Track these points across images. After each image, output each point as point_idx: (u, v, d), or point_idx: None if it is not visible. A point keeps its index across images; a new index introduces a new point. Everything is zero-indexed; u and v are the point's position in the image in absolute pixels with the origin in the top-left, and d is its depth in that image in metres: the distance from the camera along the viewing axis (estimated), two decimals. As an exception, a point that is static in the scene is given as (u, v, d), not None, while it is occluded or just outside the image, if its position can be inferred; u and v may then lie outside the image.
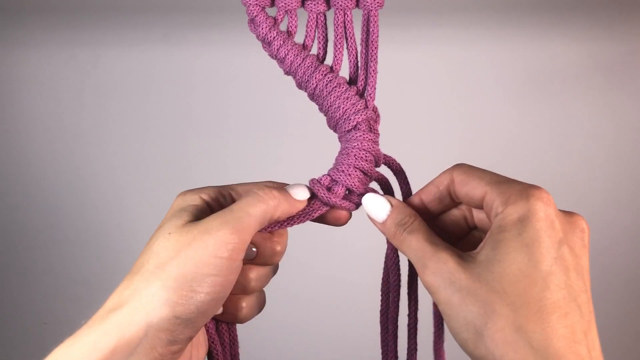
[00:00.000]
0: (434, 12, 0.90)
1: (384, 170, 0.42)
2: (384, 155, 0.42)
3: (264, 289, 0.42)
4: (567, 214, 0.35)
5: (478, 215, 0.39)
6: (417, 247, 0.35)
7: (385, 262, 0.42)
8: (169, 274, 0.33)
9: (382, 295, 0.44)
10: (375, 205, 0.39)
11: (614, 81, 0.95)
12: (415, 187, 0.43)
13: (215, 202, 0.39)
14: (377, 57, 0.40)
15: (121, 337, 0.32)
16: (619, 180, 0.99)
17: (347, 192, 0.41)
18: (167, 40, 0.90)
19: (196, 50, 0.91)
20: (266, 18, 0.40)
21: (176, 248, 0.34)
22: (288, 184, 0.40)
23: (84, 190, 0.96)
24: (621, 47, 0.93)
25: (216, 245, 0.34)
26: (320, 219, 0.41)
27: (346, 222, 0.41)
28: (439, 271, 0.33)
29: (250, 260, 0.39)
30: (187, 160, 0.95)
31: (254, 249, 0.39)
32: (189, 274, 0.33)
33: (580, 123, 0.96)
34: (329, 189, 0.40)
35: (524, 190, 0.34)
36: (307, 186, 0.40)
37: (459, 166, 0.38)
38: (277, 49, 0.40)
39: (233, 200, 0.39)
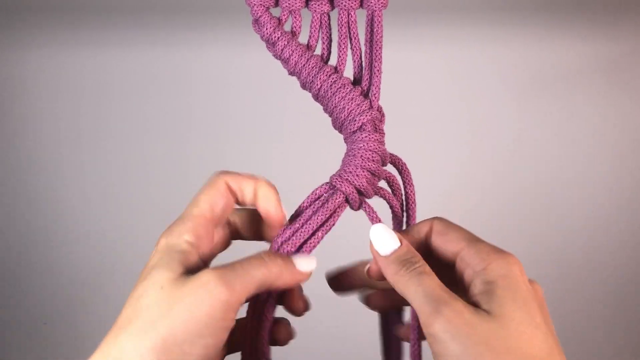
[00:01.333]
0: (437, 12, 0.90)
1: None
2: (390, 154, 0.42)
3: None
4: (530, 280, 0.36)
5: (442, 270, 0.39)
6: (428, 290, 0.34)
7: None
8: (159, 333, 0.32)
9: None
10: (383, 239, 0.37)
11: (616, 81, 0.95)
12: (419, 187, 0.43)
13: (204, 239, 0.37)
14: (381, 57, 0.40)
15: None
16: (622, 179, 0.99)
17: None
18: (167, 40, 0.90)
19: (196, 51, 0.91)
20: (270, 18, 0.40)
21: (168, 304, 0.32)
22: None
23: (84, 190, 0.96)
24: (624, 46, 0.94)
25: (210, 303, 0.32)
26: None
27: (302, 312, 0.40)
28: (456, 319, 0.32)
29: None
30: (187, 161, 0.95)
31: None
32: (179, 334, 0.32)
33: (582, 122, 0.97)
34: (359, 192, 0.40)
35: (500, 251, 0.35)
36: (314, 257, 0.38)
37: (438, 218, 0.39)
38: (282, 50, 0.40)
39: (212, 219, 0.38)
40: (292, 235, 0.38)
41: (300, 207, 0.40)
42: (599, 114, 0.96)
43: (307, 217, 0.39)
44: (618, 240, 1.01)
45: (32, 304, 1.00)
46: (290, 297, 0.39)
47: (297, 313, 0.40)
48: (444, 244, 0.37)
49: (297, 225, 0.39)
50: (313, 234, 0.38)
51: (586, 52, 0.94)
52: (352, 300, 0.46)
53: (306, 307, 0.40)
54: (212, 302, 0.32)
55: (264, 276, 0.35)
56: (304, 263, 0.37)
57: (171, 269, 0.34)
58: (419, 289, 0.34)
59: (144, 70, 0.92)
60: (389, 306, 0.44)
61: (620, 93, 0.96)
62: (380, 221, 0.39)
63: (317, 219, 0.38)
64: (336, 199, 0.39)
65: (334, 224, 0.39)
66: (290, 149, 0.95)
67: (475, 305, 0.34)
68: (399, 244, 0.37)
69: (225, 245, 0.41)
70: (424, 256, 0.37)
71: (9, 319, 1.00)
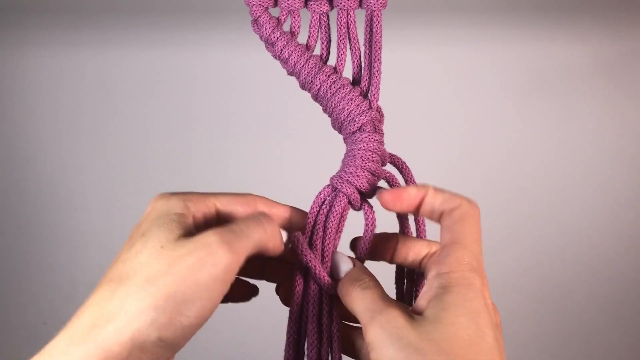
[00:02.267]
0: (437, 12, 0.90)
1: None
2: (390, 154, 0.42)
3: None
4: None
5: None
6: (368, 301, 0.35)
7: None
8: (160, 291, 0.31)
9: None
10: (339, 263, 0.39)
11: (615, 81, 0.95)
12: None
13: (200, 214, 0.37)
14: (380, 57, 0.40)
15: (104, 358, 0.30)
16: (621, 180, 0.99)
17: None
18: (168, 40, 0.90)
19: (197, 51, 0.91)
20: (269, 18, 0.40)
21: (169, 262, 0.32)
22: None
23: (84, 190, 0.96)
24: (622, 46, 0.93)
25: (212, 263, 0.32)
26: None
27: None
28: (388, 325, 0.33)
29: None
30: (188, 160, 0.95)
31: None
32: (180, 294, 0.31)
33: (581, 122, 0.97)
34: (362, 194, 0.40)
35: (473, 266, 0.35)
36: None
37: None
38: (281, 50, 0.40)
39: (217, 211, 0.38)
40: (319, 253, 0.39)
41: (310, 213, 0.40)
42: (597, 114, 0.96)
43: (321, 227, 0.39)
44: (617, 239, 1.01)
45: (32, 304, 1.00)
46: None
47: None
48: (416, 245, 0.39)
49: (318, 242, 0.39)
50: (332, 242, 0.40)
51: (585, 52, 0.94)
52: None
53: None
54: (215, 263, 0.32)
55: (261, 237, 0.35)
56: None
57: (170, 230, 0.34)
58: (360, 302, 0.35)
59: (145, 70, 0.92)
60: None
61: (619, 93, 0.96)
62: (374, 223, 0.40)
63: (332, 226, 0.39)
64: (340, 201, 0.39)
65: (343, 227, 0.40)
66: (291, 149, 0.95)
67: (421, 310, 0.34)
68: (351, 265, 0.39)
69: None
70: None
71: (9, 319, 1.00)
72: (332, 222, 0.39)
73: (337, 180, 0.40)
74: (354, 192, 0.39)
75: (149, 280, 0.32)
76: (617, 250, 1.01)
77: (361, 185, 0.39)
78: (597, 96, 0.96)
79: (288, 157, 0.95)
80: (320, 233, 0.39)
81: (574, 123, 0.97)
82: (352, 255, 0.41)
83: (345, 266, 0.39)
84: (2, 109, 0.93)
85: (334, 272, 0.39)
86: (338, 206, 0.39)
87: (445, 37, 0.91)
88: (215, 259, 0.32)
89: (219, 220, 0.38)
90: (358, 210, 0.41)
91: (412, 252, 0.39)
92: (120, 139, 0.94)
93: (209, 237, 0.33)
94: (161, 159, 0.95)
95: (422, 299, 0.34)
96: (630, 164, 0.99)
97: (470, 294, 0.33)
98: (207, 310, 0.33)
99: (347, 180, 0.39)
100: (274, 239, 0.36)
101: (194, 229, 0.35)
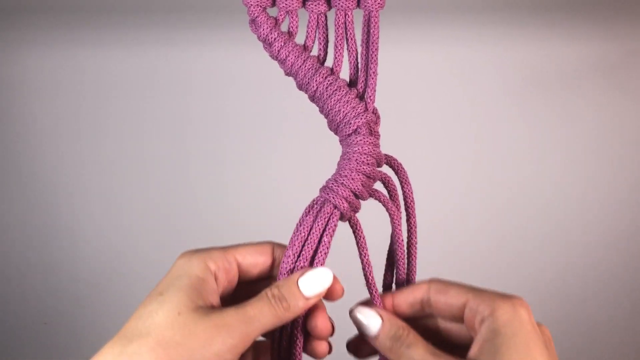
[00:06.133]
0: (434, 13, 0.90)
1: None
2: (385, 155, 0.42)
3: None
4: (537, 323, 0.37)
5: (446, 326, 0.40)
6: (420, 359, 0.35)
7: None
8: (170, 358, 0.33)
9: None
10: (366, 319, 0.38)
11: (614, 81, 0.95)
12: (416, 187, 0.43)
13: (222, 271, 0.38)
14: (377, 58, 0.40)
15: None
16: (620, 181, 0.99)
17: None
18: (167, 40, 0.90)
19: (196, 51, 0.91)
20: (267, 19, 0.40)
21: (183, 333, 0.33)
22: (305, 272, 0.38)
23: (84, 190, 0.96)
24: (622, 47, 0.93)
25: (222, 342, 0.34)
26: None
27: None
28: None
29: None
30: (187, 161, 0.95)
31: None
32: None
33: (580, 123, 0.96)
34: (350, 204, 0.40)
35: (507, 296, 0.36)
36: (324, 272, 0.38)
37: (435, 278, 0.40)
38: (278, 51, 0.40)
39: (239, 264, 0.39)
40: (296, 260, 0.39)
41: (298, 224, 0.40)
42: (597, 114, 0.96)
43: (304, 233, 0.39)
44: (616, 240, 1.01)
45: (32, 304, 1.00)
46: (313, 318, 0.39)
47: (322, 336, 0.39)
48: (448, 300, 0.38)
49: (297, 246, 0.39)
50: (317, 250, 0.39)
51: (584, 52, 0.93)
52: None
53: (332, 330, 0.40)
54: (224, 342, 0.34)
55: (272, 322, 0.36)
56: (310, 288, 0.37)
57: (190, 297, 0.35)
58: None
59: (144, 70, 0.92)
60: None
61: (619, 93, 0.95)
62: (362, 234, 0.40)
63: (317, 229, 0.39)
64: (326, 210, 0.39)
65: (333, 231, 0.39)
66: (290, 149, 0.95)
67: (474, 357, 0.34)
68: (380, 320, 0.38)
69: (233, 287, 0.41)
70: (423, 316, 0.39)
71: (9, 319, 1.00)
72: (318, 226, 0.39)
73: (332, 183, 0.40)
74: (349, 195, 0.39)
75: (161, 344, 0.33)
76: (615, 251, 1.01)
77: (356, 188, 0.39)
78: (597, 96, 0.95)
79: (286, 157, 0.95)
80: (297, 243, 0.39)
81: (572, 124, 0.96)
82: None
83: (375, 321, 0.38)
84: (1, 108, 0.93)
85: (364, 330, 0.38)
86: (324, 213, 0.39)
87: (443, 38, 0.91)
88: (225, 339, 0.34)
89: (240, 274, 0.39)
90: (356, 212, 0.40)
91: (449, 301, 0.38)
92: (120, 139, 0.94)
93: (223, 319, 0.34)
94: (161, 158, 0.95)
95: (475, 346, 0.35)
96: (630, 164, 0.99)
97: (517, 328, 0.34)
98: None
99: (342, 183, 0.39)
100: (293, 314, 0.37)
101: (212, 296, 0.37)
